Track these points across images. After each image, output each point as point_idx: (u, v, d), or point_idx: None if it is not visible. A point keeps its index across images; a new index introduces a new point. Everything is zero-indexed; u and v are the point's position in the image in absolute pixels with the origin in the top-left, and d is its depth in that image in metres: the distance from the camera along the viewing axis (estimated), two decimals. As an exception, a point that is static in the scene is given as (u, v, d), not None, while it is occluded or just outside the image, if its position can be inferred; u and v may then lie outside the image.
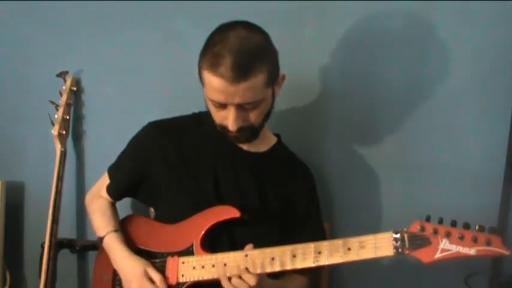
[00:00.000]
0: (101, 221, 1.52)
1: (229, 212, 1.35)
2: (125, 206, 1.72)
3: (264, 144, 1.49)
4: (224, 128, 1.36)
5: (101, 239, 1.49)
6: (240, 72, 1.24)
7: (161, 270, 1.38)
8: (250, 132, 1.38)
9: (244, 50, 1.25)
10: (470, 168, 1.60)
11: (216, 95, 1.28)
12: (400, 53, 1.64)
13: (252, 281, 1.25)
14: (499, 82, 1.56)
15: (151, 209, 1.62)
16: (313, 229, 1.46)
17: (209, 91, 1.30)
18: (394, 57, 1.64)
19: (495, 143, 1.57)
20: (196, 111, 1.54)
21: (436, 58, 1.61)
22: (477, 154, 1.59)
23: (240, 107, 1.30)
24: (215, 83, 1.26)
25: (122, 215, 1.59)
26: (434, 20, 1.59)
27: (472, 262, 1.54)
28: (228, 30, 1.29)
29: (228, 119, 1.32)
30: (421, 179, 1.65)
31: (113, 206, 1.58)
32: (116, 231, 1.48)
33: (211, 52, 1.27)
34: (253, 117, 1.34)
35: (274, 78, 1.34)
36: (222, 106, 1.31)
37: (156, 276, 1.36)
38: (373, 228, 1.23)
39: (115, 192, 1.56)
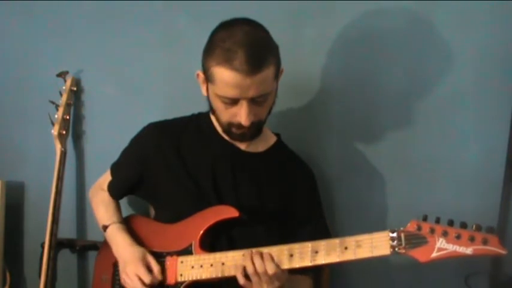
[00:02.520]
0: (105, 212, 1.54)
1: (228, 212, 1.35)
2: (125, 205, 1.72)
3: (263, 143, 1.49)
4: (232, 126, 1.35)
5: (105, 227, 1.50)
6: (255, 65, 1.24)
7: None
8: (257, 127, 1.38)
9: (254, 43, 1.26)
10: (470, 168, 1.59)
11: (230, 90, 1.27)
12: (400, 52, 1.63)
13: (271, 270, 1.23)
14: (499, 82, 1.56)
15: (151, 209, 1.63)
16: (314, 229, 1.45)
17: (221, 87, 1.29)
18: (394, 57, 1.64)
19: (495, 143, 1.56)
20: (196, 111, 1.54)
21: (436, 58, 1.60)
22: (477, 154, 1.59)
23: (252, 101, 1.30)
24: (229, 78, 1.25)
25: (122, 214, 1.59)
26: (434, 20, 1.59)
27: (472, 262, 1.54)
28: (232, 26, 1.30)
29: (239, 115, 1.31)
30: (421, 179, 1.64)
31: (116, 200, 1.59)
32: (120, 222, 1.50)
33: (221, 48, 1.26)
34: (262, 111, 1.35)
35: (278, 70, 1.35)
36: (233, 102, 1.30)
37: (155, 266, 1.37)
38: (373, 227, 1.22)
39: (115, 191, 1.57)
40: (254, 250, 1.27)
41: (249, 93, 1.27)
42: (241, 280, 1.27)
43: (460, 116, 1.60)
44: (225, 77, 1.26)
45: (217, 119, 1.40)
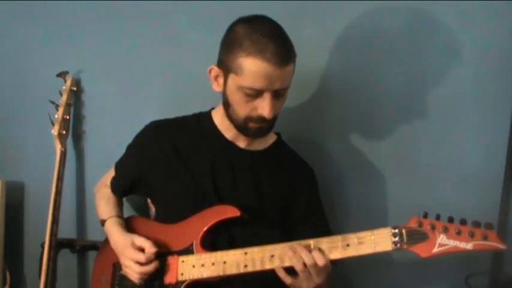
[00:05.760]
0: (105, 206, 1.55)
1: (230, 211, 1.35)
2: (125, 205, 1.72)
3: (263, 142, 1.49)
4: (250, 120, 1.35)
5: (103, 221, 1.50)
6: (284, 57, 1.27)
7: (161, 269, 1.38)
8: (272, 123, 1.38)
9: (281, 37, 1.30)
10: (470, 168, 1.60)
11: (258, 81, 1.27)
12: (400, 52, 1.63)
13: (321, 261, 1.22)
14: (499, 82, 1.56)
15: (152, 210, 1.63)
16: (314, 227, 1.45)
17: (249, 78, 1.28)
18: (394, 56, 1.64)
19: (495, 143, 1.56)
20: (196, 111, 1.54)
21: (436, 58, 1.61)
22: (477, 154, 1.59)
23: (275, 94, 1.31)
24: (260, 68, 1.26)
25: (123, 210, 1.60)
26: (434, 20, 1.59)
27: (472, 262, 1.55)
28: (254, 20, 1.32)
29: (261, 108, 1.31)
30: (421, 178, 1.65)
31: (117, 197, 1.60)
32: (119, 217, 1.51)
33: (249, 40, 1.27)
34: (279, 106, 1.36)
35: (295, 66, 1.36)
36: (256, 95, 1.30)
37: (144, 243, 1.38)
38: (375, 227, 1.23)
39: (116, 188, 1.58)
40: (297, 244, 1.25)
41: (275, 85, 1.29)
42: (288, 279, 1.26)
43: (460, 116, 1.60)
44: (256, 67, 1.26)
45: (233, 114, 1.37)
